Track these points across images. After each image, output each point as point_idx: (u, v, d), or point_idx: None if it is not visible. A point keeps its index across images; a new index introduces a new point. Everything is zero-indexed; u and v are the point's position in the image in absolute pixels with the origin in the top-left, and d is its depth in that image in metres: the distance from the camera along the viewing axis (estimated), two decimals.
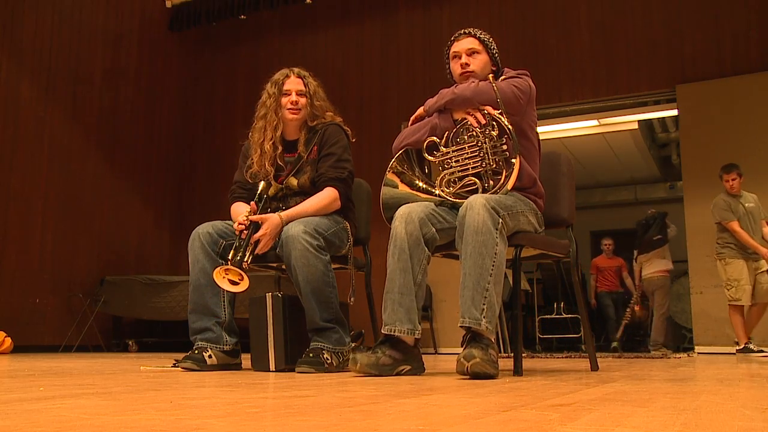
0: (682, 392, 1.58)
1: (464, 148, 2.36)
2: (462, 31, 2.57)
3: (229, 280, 2.49)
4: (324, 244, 2.56)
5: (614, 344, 7.58)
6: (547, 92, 6.12)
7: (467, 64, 2.49)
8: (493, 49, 2.55)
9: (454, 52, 2.54)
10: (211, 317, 2.65)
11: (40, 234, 6.28)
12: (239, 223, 2.59)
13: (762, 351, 5.06)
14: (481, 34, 2.55)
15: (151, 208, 7.60)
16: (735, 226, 5.26)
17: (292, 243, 2.49)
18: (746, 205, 5.36)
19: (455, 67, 2.54)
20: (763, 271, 5.25)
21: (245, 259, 2.52)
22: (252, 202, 2.69)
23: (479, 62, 2.50)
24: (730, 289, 5.24)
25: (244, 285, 2.49)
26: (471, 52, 2.51)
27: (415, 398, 1.38)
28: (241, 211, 2.72)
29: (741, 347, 5.14)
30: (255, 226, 2.59)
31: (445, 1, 7.09)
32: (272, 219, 2.61)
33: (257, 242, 2.58)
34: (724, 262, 5.32)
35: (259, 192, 2.73)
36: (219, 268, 2.49)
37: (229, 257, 2.53)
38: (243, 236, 2.57)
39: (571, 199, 2.76)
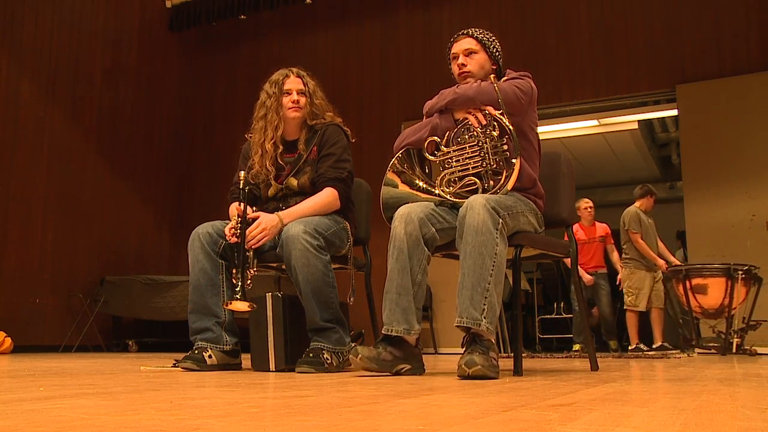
0: (682, 392, 1.58)
1: (465, 148, 2.36)
2: (460, 32, 2.58)
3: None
4: (324, 244, 2.56)
5: (611, 343, 6.38)
6: (547, 92, 6.11)
7: (464, 65, 2.50)
8: (493, 47, 2.55)
9: (453, 53, 2.56)
10: (211, 317, 2.65)
11: (40, 234, 6.28)
12: (230, 235, 2.59)
13: (652, 349, 5.78)
14: (479, 33, 2.55)
15: (151, 208, 7.60)
16: (638, 237, 5.97)
17: (292, 243, 2.49)
18: (650, 221, 6.14)
19: (454, 68, 2.56)
20: (659, 280, 5.94)
21: (248, 281, 2.53)
22: (237, 206, 2.67)
23: (476, 62, 2.51)
24: (631, 296, 5.95)
25: (249, 308, 2.55)
26: (468, 53, 2.51)
27: (415, 398, 1.38)
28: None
29: (633, 347, 5.87)
30: (243, 229, 2.59)
31: (445, 1, 7.09)
32: (268, 217, 2.62)
33: (254, 249, 2.59)
34: (629, 271, 6.04)
35: (240, 186, 2.72)
36: (225, 306, 2.56)
37: (235, 289, 2.53)
38: (237, 241, 2.57)
39: (571, 199, 2.76)
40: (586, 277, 6.53)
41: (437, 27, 7.05)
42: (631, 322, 5.96)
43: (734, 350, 4.96)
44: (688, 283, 5.17)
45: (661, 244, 6.21)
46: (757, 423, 1.02)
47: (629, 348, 5.93)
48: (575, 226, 6.43)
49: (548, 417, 1.06)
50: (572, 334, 7.06)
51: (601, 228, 6.67)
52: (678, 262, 5.98)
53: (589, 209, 6.59)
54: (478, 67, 2.50)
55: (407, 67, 7.14)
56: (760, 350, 5.21)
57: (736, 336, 4.99)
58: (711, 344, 5.15)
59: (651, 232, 6.08)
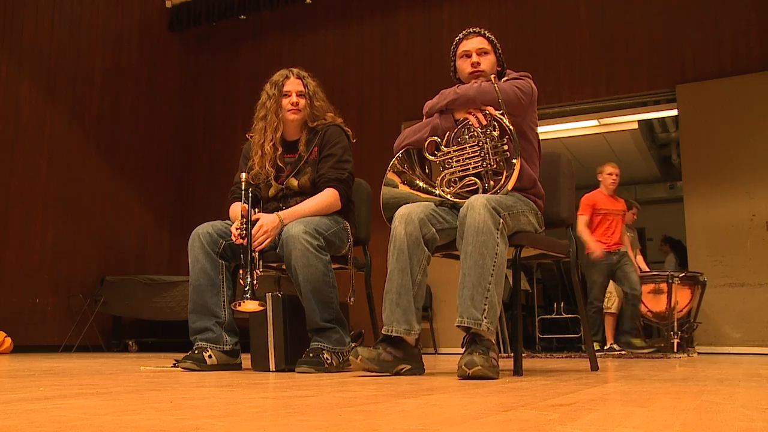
0: (682, 392, 1.58)
1: (465, 148, 2.36)
2: (471, 30, 2.57)
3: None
4: (324, 244, 2.56)
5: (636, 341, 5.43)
6: (547, 92, 6.12)
7: (478, 63, 2.49)
8: (499, 49, 2.56)
9: (464, 50, 2.54)
10: (211, 317, 2.65)
11: (40, 234, 6.28)
12: (236, 236, 2.59)
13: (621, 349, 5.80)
14: (489, 33, 2.55)
15: (151, 208, 7.60)
16: None
17: (293, 243, 2.49)
18: (628, 233, 6.24)
19: (464, 66, 2.53)
20: None
21: (255, 281, 2.53)
22: (243, 205, 2.67)
23: (489, 62, 2.51)
24: (605, 300, 6.08)
25: (260, 307, 2.57)
26: (481, 52, 2.51)
27: (415, 398, 1.38)
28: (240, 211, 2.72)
29: (607, 347, 5.83)
30: (249, 230, 2.59)
31: (445, 1, 7.09)
32: (269, 218, 2.61)
33: (260, 251, 2.59)
34: None
35: (243, 188, 2.72)
36: (234, 307, 2.55)
37: (245, 289, 2.53)
38: (243, 242, 2.57)
39: (571, 199, 2.76)
40: (595, 247, 5.47)
41: (437, 27, 7.05)
42: (607, 325, 6.17)
43: (675, 350, 5.21)
44: None
45: (639, 256, 6.48)
46: (757, 423, 1.02)
47: (605, 348, 6.06)
48: (593, 195, 5.80)
49: (548, 417, 1.06)
50: (578, 334, 7.07)
51: (623, 203, 5.89)
52: (647, 269, 6.36)
53: (614, 176, 5.73)
54: (490, 67, 2.50)
55: (407, 67, 7.14)
56: (698, 349, 5.46)
57: (676, 336, 5.27)
58: (656, 344, 5.47)
59: (627, 244, 6.36)
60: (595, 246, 5.48)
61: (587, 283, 5.72)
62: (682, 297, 5.38)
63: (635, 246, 6.59)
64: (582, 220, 5.61)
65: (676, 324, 5.28)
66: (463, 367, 2.00)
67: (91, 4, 6.96)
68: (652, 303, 5.50)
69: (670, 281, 5.37)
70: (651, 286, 5.49)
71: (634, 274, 5.54)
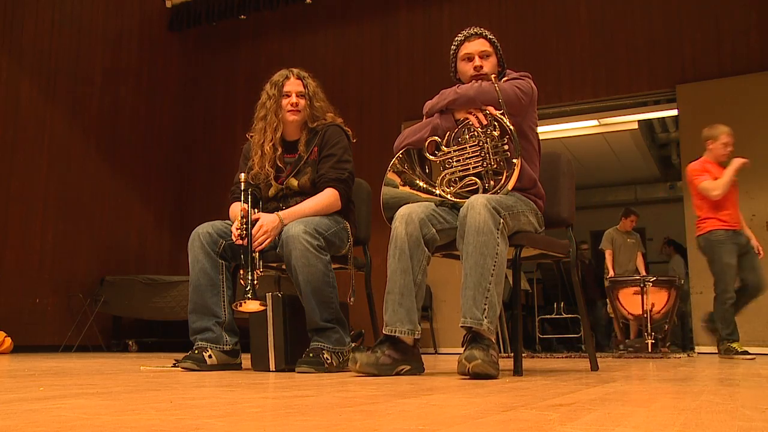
0: (682, 392, 1.58)
1: (465, 147, 2.36)
2: (473, 32, 2.56)
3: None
4: (324, 244, 2.56)
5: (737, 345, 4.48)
6: (547, 92, 6.11)
7: (481, 67, 2.49)
8: (500, 50, 2.56)
9: (467, 53, 2.53)
10: (211, 317, 2.65)
11: (40, 234, 6.28)
12: (236, 237, 2.59)
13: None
14: (490, 35, 2.55)
15: (151, 208, 7.60)
16: (608, 254, 6.72)
17: (293, 243, 2.49)
18: (628, 240, 6.78)
19: (466, 68, 2.53)
20: None
21: (255, 281, 2.53)
22: (243, 206, 2.67)
23: (491, 65, 2.51)
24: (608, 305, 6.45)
25: (261, 306, 2.57)
26: (484, 55, 2.51)
27: (415, 398, 1.38)
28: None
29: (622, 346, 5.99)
30: (249, 230, 2.59)
31: (445, 1, 7.09)
32: (269, 217, 2.61)
33: (260, 251, 2.58)
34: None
35: (242, 188, 2.72)
36: (235, 307, 2.54)
37: (246, 289, 2.53)
38: (243, 243, 2.57)
39: (571, 199, 2.76)
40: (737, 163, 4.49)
41: (437, 27, 7.05)
42: (617, 327, 6.38)
43: (650, 350, 5.32)
44: (615, 292, 5.80)
45: (640, 259, 6.83)
46: (757, 423, 1.02)
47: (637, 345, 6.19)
48: (702, 164, 4.73)
49: (548, 417, 1.06)
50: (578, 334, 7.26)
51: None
52: (644, 273, 6.64)
53: (730, 146, 4.61)
54: (492, 69, 2.50)
55: (407, 67, 7.14)
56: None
57: (650, 337, 5.39)
58: (634, 345, 5.61)
59: (626, 249, 6.77)
60: (737, 162, 4.56)
61: (713, 271, 4.68)
62: (660, 299, 5.51)
63: (639, 248, 6.83)
64: (706, 183, 4.62)
65: (650, 325, 5.39)
66: (463, 361, 1.99)
67: (91, 4, 6.96)
68: (631, 305, 5.66)
69: (643, 285, 5.54)
70: (633, 289, 5.64)
71: (762, 270, 4.55)
